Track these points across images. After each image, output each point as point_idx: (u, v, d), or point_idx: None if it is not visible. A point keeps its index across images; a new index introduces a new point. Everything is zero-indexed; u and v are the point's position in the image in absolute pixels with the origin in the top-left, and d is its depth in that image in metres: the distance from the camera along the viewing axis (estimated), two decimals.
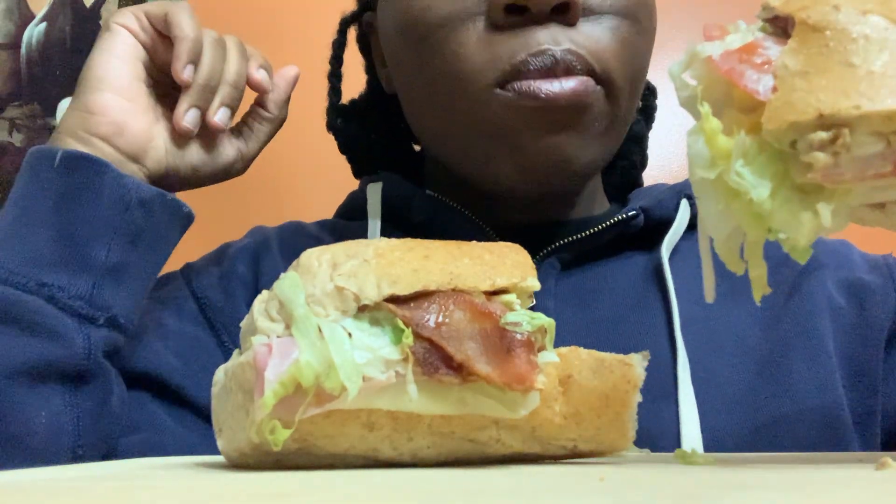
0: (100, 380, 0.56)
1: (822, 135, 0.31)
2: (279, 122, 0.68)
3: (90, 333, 0.55)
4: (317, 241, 0.55)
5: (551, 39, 0.55)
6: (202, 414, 0.60)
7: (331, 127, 0.75)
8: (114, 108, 0.59)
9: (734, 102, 0.34)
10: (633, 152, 0.76)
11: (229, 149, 0.65)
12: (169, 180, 0.63)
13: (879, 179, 0.32)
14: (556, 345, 0.37)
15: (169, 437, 0.59)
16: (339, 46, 0.75)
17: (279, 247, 0.68)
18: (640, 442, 0.39)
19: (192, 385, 0.61)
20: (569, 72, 0.55)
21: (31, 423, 0.53)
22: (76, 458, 0.54)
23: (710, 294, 0.39)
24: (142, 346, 0.61)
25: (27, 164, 0.58)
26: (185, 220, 0.61)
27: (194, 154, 0.63)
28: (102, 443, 0.56)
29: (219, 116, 0.62)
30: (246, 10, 1.21)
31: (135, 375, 0.60)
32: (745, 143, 0.33)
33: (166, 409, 0.61)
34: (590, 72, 0.56)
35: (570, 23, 0.56)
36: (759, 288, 0.36)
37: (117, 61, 0.60)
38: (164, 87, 0.64)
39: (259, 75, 0.66)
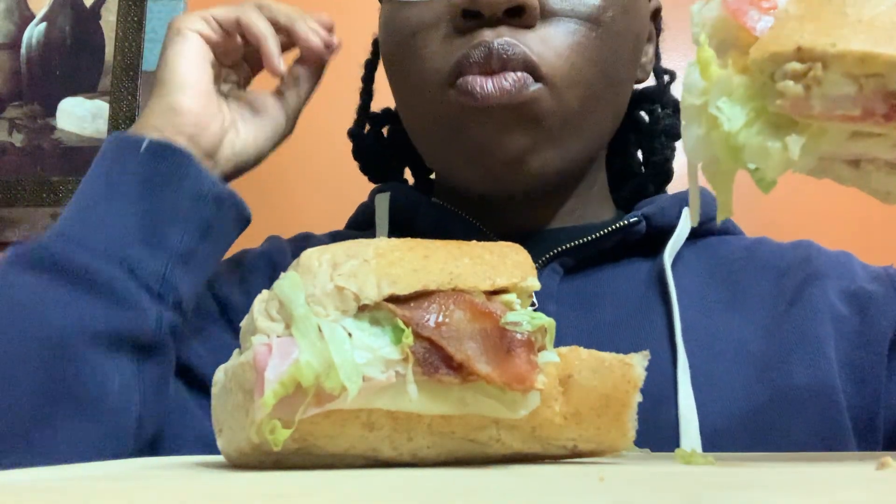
0: (165, 356, 0.58)
1: (796, 65, 0.33)
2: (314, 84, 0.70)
3: (161, 310, 0.57)
4: None
5: (495, 36, 0.58)
6: None
7: (352, 134, 0.78)
8: (196, 110, 0.62)
9: (740, 44, 0.36)
10: (658, 175, 0.76)
11: (275, 128, 0.68)
12: (229, 177, 0.66)
13: (848, 122, 0.33)
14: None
15: (193, 421, 0.60)
16: (370, 64, 0.78)
17: (293, 257, 0.69)
18: (640, 445, 0.39)
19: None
20: (504, 65, 0.57)
21: (106, 387, 0.55)
22: (140, 427, 0.56)
23: (695, 217, 0.41)
24: None
25: (110, 148, 0.61)
26: (245, 222, 0.64)
27: (252, 148, 0.66)
28: (159, 418, 0.58)
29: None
30: None
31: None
32: (733, 80, 0.35)
33: (194, 396, 0.62)
34: (529, 67, 0.58)
35: (527, 25, 0.58)
36: (724, 213, 0.38)
37: (193, 66, 0.63)
38: (220, 83, 0.67)
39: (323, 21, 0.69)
